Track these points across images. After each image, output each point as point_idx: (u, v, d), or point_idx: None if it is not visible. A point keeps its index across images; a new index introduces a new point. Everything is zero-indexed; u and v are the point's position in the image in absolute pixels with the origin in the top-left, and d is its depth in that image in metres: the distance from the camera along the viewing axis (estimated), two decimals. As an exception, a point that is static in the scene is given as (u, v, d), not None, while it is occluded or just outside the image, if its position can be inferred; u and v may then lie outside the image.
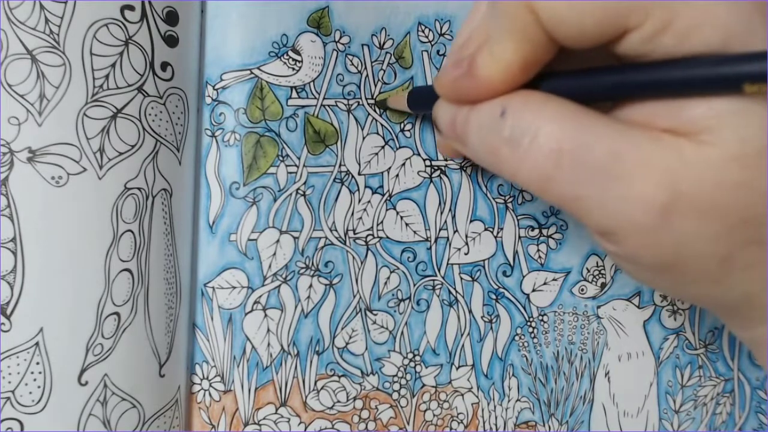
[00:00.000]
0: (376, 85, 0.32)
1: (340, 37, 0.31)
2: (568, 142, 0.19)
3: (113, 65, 0.26)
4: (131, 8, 0.27)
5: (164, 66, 0.28)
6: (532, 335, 0.33)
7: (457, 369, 0.32)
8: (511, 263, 0.32)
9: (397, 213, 0.32)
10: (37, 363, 0.25)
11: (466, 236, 0.32)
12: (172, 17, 0.28)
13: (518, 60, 0.20)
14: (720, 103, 0.18)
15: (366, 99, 0.32)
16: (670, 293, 0.29)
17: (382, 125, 0.32)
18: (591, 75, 0.20)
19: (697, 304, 0.26)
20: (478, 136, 0.22)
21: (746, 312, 0.21)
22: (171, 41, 0.28)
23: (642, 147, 0.19)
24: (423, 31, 0.32)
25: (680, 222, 0.18)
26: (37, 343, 0.25)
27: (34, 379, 0.25)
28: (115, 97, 0.26)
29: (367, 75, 0.32)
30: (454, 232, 0.32)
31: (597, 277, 0.33)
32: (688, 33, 0.18)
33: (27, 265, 0.25)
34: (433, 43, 0.32)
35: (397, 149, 0.32)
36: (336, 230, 0.31)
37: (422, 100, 0.28)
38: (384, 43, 0.32)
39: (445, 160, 0.32)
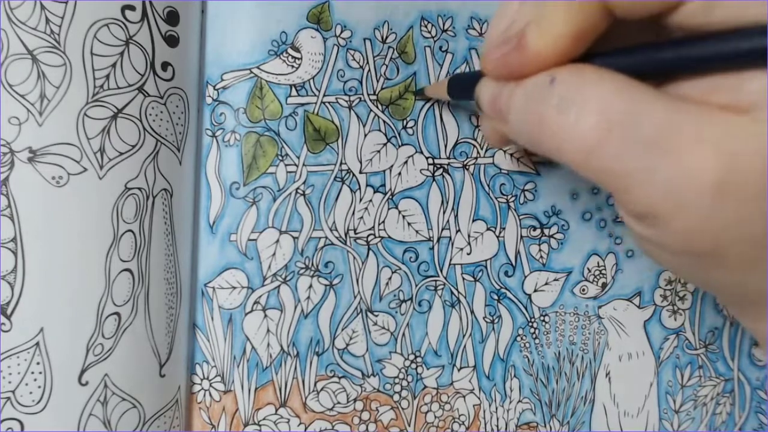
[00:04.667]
0: (378, 81, 0.33)
1: (341, 32, 0.32)
2: (618, 114, 0.19)
3: (114, 65, 0.27)
4: (132, 8, 0.27)
5: (165, 66, 0.29)
6: (534, 336, 0.34)
7: (458, 370, 0.33)
8: (513, 263, 0.34)
9: (399, 212, 0.33)
10: (38, 363, 0.26)
11: (469, 236, 0.33)
12: (172, 17, 0.29)
13: (570, 31, 0.20)
14: None
15: (368, 95, 0.32)
16: (697, 281, 0.29)
17: (384, 122, 0.33)
18: (643, 50, 0.20)
19: (718, 293, 0.25)
20: (522, 107, 0.22)
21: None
22: (172, 41, 0.29)
23: (697, 122, 0.18)
24: (426, 26, 0.33)
25: (734, 200, 0.18)
26: (37, 343, 0.26)
27: (35, 379, 0.26)
28: (116, 97, 0.27)
29: (369, 70, 0.32)
30: (457, 231, 0.33)
31: (598, 277, 0.34)
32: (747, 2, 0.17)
33: (27, 265, 0.26)
34: (435, 39, 0.33)
35: (399, 147, 0.33)
36: (336, 230, 0.32)
37: (463, 86, 0.28)
38: (387, 37, 0.33)
39: (448, 158, 0.33)
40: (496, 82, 0.23)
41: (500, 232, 0.33)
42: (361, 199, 0.32)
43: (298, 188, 0.32)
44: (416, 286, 0.33)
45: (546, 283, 0.34)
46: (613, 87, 0.19)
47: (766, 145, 0.18)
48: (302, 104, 0.32)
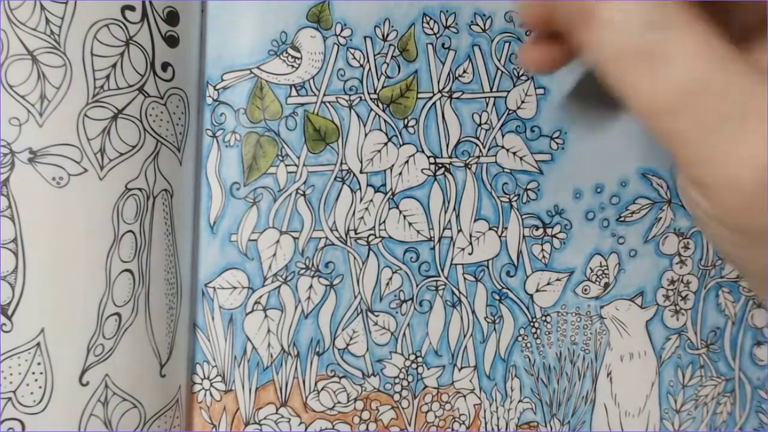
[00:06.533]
0: (379, 79, 0.33)
1: (341, 30, 0.32)
2: (704, 80, 0.19)
3: (114, 66, 0.27)
4: (132, 8, 0.28)
5: (165, 66, 0.29)
6: (535, 336, 0.34)
7: (459, 370, 0.34)
8: (515, 263, 0.34)
9: (400, 212, 0.33)
10: (39, 363, 0.27)
11: (470, 236, 0.34)
12: (172, 17, 0.29)
13: None
14: None
15: (369, 94, 0.33)
16: (736, 257, 0.28)
17: (385, 121, 0.33)
18: None
19: (746, 266, 0.25)
20: (609, 36, 0.20)
21: None
22: (172, 41, 0.29)
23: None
24: (428, 23, 0.33)
25: None
26: (38, 344, 0.27)
27: (36, 380, 0.27)
28: (116, 97, 0.27)
29: (370, 69, 0.33)
30: (458, 231, 0.33)
31: (600, 276, 0.34)
32: None
33: (28, 266, 0.27)
34: (438, 35, 0.33)
35: (400, 146, 0.33)
36: (337, 230, 0.33)
37: None
38: (387, 35, 0.33)
39: (450, 157, 0.33)
40: None
41: (502, 232, 0.34)
42: (361, 199, 0.33)
43: (298, 188, 0.32)
44: (417, 286, 0.33)
45: (548, 283, 0.34)
46: (701, 47, 0.19)
47: None
48: (302, 104, 0.32)
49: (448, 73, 0.33)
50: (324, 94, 0.32)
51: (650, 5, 0.20)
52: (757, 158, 0.18)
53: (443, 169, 0.33)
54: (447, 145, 0.33)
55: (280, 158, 0.32)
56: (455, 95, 0.33)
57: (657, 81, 0.19)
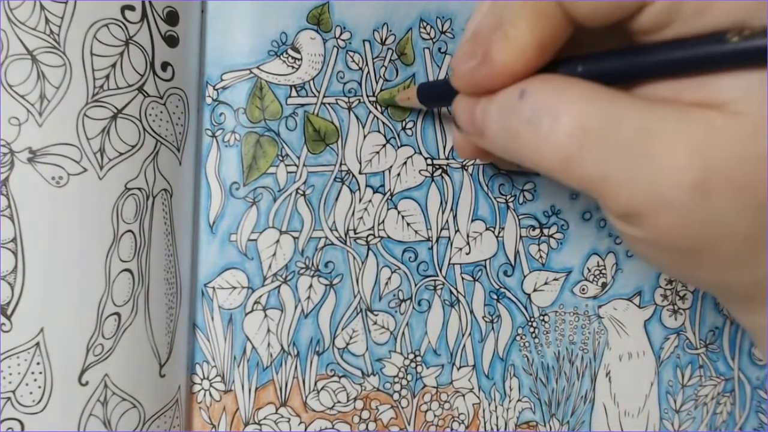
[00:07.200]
0: (377, 82, 0.33)
1: (341, 33, 0.32)
2: (593, 120, 0.19)
3: (113, 65, 0.27)
4: (131, 8, 0.28)
5: (164, 66, 0.29)
6: (533, 335, 0.34)
7: (458, 369, 0.33)
8: (512, 263, 0.34)
9: (399, 212, 0.33)
10: (38, 363, 0.27)
11: (468, 236, 0.33)
12: (172, 17, 0.29)
13: (535, 41, 0.20)
14: (746, 74, 0.18)
15: (367, 96, 0.33)
16: (686, 278, 0.29)
17: (383, 123, 0.33)
18: (608, 57, 0.21)
19: (710, 289, 0.26)
20: (497, 123, 0.22)
21: (760, 296, 0.22)
22: (171, 41, 0.29)
23: (671, 121, 0.19)
24: (425, 28, 0.33)
25: (714, 198, 0.18)
26: (37, 344, 0.27)
27: (35, 380, 0.27)
28: (116, 97, 0.27)
29: (369, 72, 0.33)
30: (456, 231, 0.33)
31: (598, 276, 0.34)
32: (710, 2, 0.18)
33: (27, 266, 0.26)
34: (434, 40, 0.33)
35: (398, 148, 0.33)
36: (336, 230, 0.32)
37: (434, 95, 0.29)
38: (386, 39, 0.33)
39: (447, 158, 0.33)
40: (470, 99, 0.24)
41: (499, 232, 0.34)
42: (360, 200, 0.33)
43: (298, 188, 0.32)
44: (416, 285, 0.33)
45: (545, 283, 0.34)
46: (584, 94, 0.20)
47: (740, 139, 0.18)
48: (302, 105, 0.32)
49: (445, 77, 0.33)
50: (324, 96, 0.32)
51: (514, 86, 0.21)
52: (680, 175, 0.18)
53: (440, 170, 0.33)
54: (444, 147, 0.33)
55: (280, 158, 0.32)
56: (452, 97, 0.33)
57: (552, 133, 0.20)
